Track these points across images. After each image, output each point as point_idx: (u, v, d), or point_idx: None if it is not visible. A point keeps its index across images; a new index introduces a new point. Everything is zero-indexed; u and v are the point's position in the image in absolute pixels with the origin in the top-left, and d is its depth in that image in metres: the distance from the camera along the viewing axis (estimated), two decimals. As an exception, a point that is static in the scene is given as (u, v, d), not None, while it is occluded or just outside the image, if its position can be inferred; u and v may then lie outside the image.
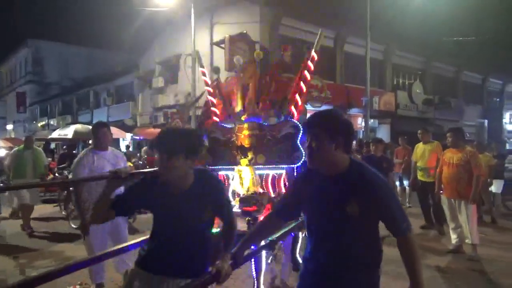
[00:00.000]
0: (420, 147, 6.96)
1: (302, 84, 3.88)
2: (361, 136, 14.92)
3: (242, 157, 3.69)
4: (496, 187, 7.90)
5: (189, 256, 2.03)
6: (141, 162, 10.85)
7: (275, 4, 14.19)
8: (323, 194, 1.84)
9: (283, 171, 3.76)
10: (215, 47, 15.49)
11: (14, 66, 38.06)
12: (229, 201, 2.36)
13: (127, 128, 19.31)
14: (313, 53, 3.98)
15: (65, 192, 7.06)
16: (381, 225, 1.90)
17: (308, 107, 15.02)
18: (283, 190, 3.71)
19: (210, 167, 3.78)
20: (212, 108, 4.14)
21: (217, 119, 4.05)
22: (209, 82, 4.36)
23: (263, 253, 3.00)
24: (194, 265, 2.04)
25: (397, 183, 9.43)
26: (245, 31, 14.37)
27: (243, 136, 3.73)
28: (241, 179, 3.61)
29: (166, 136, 2.03)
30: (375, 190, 1.78)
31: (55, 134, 15.10)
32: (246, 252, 2.16)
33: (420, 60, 20.61)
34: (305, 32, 15.37)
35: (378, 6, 15.21)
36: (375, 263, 1.90)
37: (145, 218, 7.23)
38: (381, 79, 18.64)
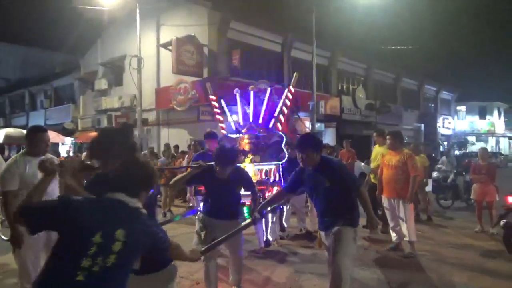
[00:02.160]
0: (375, 149, 7.10)
1: (284, 108, 5.93)
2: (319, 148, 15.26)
3: (245, 157, 5.48)
4: (428, 186, 8.42)
5: (230, 208, 3.82)
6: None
7: (223, 8, 14.16)
8: (311, 178, 3.40)
9: (273, 166, 5.54)
10: (161, 49, 15.14)
11: None
12: (252, 181, 4.25)
13: (67, 132, 18.24)
14: (290, 88, 6.14)
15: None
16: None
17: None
18: (274, 178, 5.46)
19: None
20: (220, 124, 6.23)
21: (224, 132, 6.02)
22: (216, 105, 6.31)
23: (270, 215, 4.99)
24: (234, 213, 3.87)
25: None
26: (193, 34, 14.19)
27: (244, 143, 5.60)
28: None
29: (226, 155, 3.82)
30: (334, 170, 3.34)
31: (-16, 138, 13.85)
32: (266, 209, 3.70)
33: (362, 66, 21.61)
34: (253, 36, 15.51)
35: (324, 14, 15.75)
36: (350, 207, 3.34)
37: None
38: (326, 84, 19.26)
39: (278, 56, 16.96)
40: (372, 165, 7.00)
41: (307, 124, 16.97)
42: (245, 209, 4.60)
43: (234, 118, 6.17)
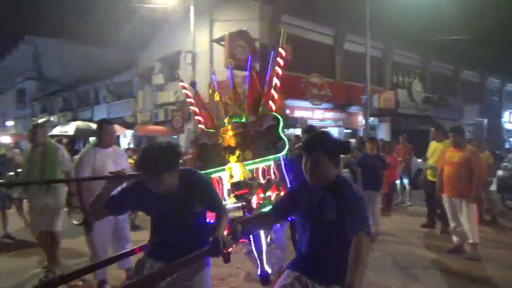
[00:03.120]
0: (433, 145, 6.84)
1: (275, 79, 4.15)
2: (361, 135, 14.94)
3: (231, 155, 3.95)
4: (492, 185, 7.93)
5: (188, 245, 2.17)
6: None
7: (274, 1, 14.17)
8: (315, 201, 2.13)
9: (271, 162, 3.94)
10: (214, 44, 15.47)
11: (13, 62, 37.91)
12: (216, 194, 2.48)
13: (127, 125, 19.30)
14: (280, 50, 4.23)
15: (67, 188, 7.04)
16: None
17: (308, 105, 15.06)
18: (273, 177, 3.94)
19: (201, 172, 3.76)
20: (196, 117, 4.51)
21: (203, 126, 4.40)
22: (190, 94, 4.69)
23: (262, 233, 3.40)
24: (194, 252, 2.12)
25: (397, 181, 9.47)
26: (244, 28, 14.35)
27: (229, 137, 4.01)
28: (231, 175, 3.82)
29: (150, 157, 2.14)
30: (352, 196, 2.04)
31: (56, 131, 15.07)
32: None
33: (419, 58, 20.63)
34: (305, 29, 15.38)
35: (378, 4, 15.21)
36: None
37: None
38: (380, 77, 18.65)
39: (330, 49, 16.68)
40: (430, 161, 6.74)
41: (360, 118, 16.60)
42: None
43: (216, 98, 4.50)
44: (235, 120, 4.08)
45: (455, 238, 5.43)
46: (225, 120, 4.16)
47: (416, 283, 4.31)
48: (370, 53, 14.61)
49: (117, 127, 14.95)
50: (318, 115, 15.97)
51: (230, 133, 4.00)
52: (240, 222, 2.23)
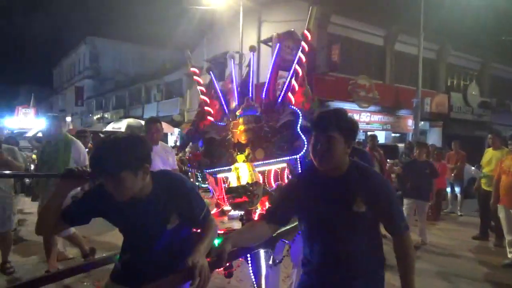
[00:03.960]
0: (488, 152, 6.52)
1: (297, 67, 3.51)
2: (410, 139, 14.39)
3: (239, 153, 3.28)
4: None
5: (163, 267, 1.72)
6: (187, 157, 11.18)
7: (324, 1, 14.01)
8: (329, 196, 1.76)
9: (285, 165, 3.29)
10: (262, 45, 15.59)
11: (74, 62, 40.60)
12: (201, 203, 1.90)
13: (175, 124, 19.95)
14: (305, 32, 3.54)
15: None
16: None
17: (355, 107, 14.73)
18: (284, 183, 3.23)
19: (208, 170, 3.50)
20: (206, 108, 3.85)
21: (212, 119, 3.77)
22: (202, 82, 4.07)
23: (261, 252, 2.57)
24: (168, 269, 1.66)
25: (448, 189, 9.02)
26: (292, 29, 14.30)
27: (239, 132, 3.38)
28: (238, 178, 3.12)
29: (102, 152, 1.62)
30: (378, 185, 1.76)
31: (109, 127, 15.97)
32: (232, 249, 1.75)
33: (476, 60, 19.47)
34: (354, 30, 15.07)
35: (433, 3, 14.56)
36: (379, 266, 1.83)
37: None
38: (433, 80, 17.83)
39: (380, 50, 16.21)
40: (485, 170, 6.37)
41: (410, 122, 15.98)
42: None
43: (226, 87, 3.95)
44: (248, 112, 3.45)
45: (510, 253, 5.09)
46: (237, 113, 3.54)
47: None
48: (423, 55, 14.02)
49: (165, 125, 15.58)
50: (365, 118, 15.57)
51: (241, 127, 3.39)
52: (230, 238, 1.76)
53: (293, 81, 3.44)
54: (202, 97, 3.88)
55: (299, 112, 3.23)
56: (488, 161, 6.36)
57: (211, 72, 4.06)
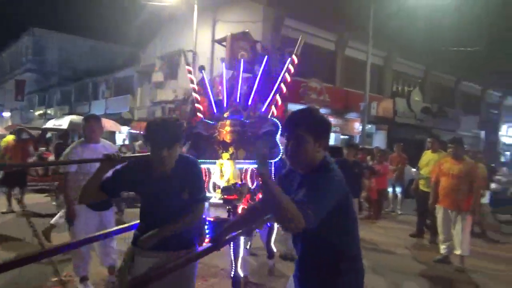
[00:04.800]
0: (427, 155, 6.86)
1: (282, 85, 4.18)
2: (357, 141, 14.93)
3: (224, 151, 3.91)
4: (484, 197, 7.93)
5: (174, 233, 2.20)
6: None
7: (278, 4, 14.17)
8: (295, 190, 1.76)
9: None
10: (216, 44, 15.46)
11: (15, 53, 37.89)
12: (203, 188, 2.42)
13: (124, 121, 19.26)
14: (293, 56, 4.26)
15: (57, 182, 6.99)
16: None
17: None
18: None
19: None
20: (197, 105, 4.34)
21: (201, 116, 4.28)
22: (195, 80, 4.51)
23: (241, 239, 3.40)
24: (181, 239, 2.25)
25: (390, 189, 9.45)
26: (247, 30, 14.32)
27: (225, 132, 3.97)
28: (222, 172, 3.85)
29: (160, 129, 2.16)
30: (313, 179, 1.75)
31: (50, 124, 15.03)
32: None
33: (420, 68, 20.64)
34: (307, 34, 15.36)
35: (382, 12, 15.22)
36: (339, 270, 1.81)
37: (134, 212, 7.24)
38: (380, 85, 18.65)
39: (331, 54, 16.68)
40: (423, 171, 6.72)
41: (357, 125, 16.59)
42: (206, 228, 3.41)
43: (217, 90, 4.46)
44: (235, 116, 4.07)
45: (443, 249, 5.40)
46: (225, 115, 4.14)
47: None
48: (371, 61, 14.61)
49: (112, 124, 15.00)
50: (316, 120, 15.94)
51: (228, 128, 3.97)
52: (226, 229, 2.23)
53: (277, 97, 4.11)
54: (194, 94, 4.40)
55: (279, 124, 3.87)
56: (426, 163, 6.70)
57: (202, 71, 4.53)
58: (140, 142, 10.41)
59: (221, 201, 3.63)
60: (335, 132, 16.83)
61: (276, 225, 4.25)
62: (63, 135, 8.98)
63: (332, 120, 16.58)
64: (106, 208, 3.93)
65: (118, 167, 2.33)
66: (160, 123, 2.21)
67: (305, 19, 14.96)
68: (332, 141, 15.62)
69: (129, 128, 19.44)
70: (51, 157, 9.42)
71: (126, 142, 17.36)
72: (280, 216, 1.50)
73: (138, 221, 2.37)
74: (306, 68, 15.01)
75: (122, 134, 20.84)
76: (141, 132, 14.39)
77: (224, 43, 16.35)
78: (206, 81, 4.43)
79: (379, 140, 17.38)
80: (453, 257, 5.32)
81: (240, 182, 3.73)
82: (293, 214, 1.47)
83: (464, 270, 5.06)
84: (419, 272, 5.02)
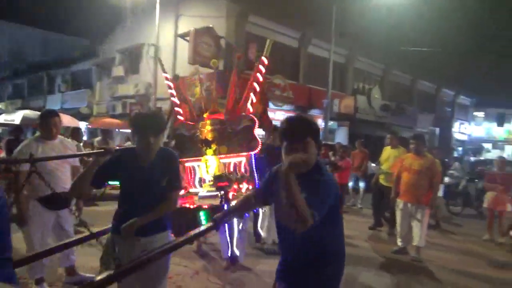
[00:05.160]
0: (386, 151, 7.05)
1: (255, 84, 4.55)
2: (320, 137, 15.20)
3: (207, 148, 4.34)
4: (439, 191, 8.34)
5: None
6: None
7: (242, 1, 14.11)
8: None
9: (243, 159, 4.37)
10: (179, 39, 15.19)
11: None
12: (179, 179, 2.65)
13: (82, 117, 18.50)
14: (263, 58, 4.65)
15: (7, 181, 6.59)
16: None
17: (270, 106, 15.10)
18: (244, 173, 4.38)
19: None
20: (176, 109, 4.76)
21: (181, 118, 4.68)
22: (171, 86, 4.86)
23: (235, 220, 3.94)
24: (160, 223, 2.45)
25: (350, 184, 9.71)
26: (211, 26, 14.19)
27: (206, 131, 4.38)
28: (207, 166, 4.30)
29: (148, 119, 2.42)
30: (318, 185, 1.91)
31: (0, 119, 14.13)
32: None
33: (380, 66, 21.33)
34: (271, 31, 15.43)
35: (344, 11, 15.57)
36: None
37: (91, 211, 6.99)
38: (342, 83, 19.09)
39: (295, 51, 16.86)
40: (383, 166, 6.93)
41: (320, 121, 16.91)
42: (202, 215, 3.76)
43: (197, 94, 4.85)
44: (214, 117, 4.46)
45: (399, 242, 5.61)
46: (205, 115, 4.51)
47: (358, 281, 4.41)
48: (333, 59, 14.91)
49: (69, 119, 14.35)
50: (280, 116, 16.07)
51: (208, 127, 4.37)
52: (225, 213, 2.53)
53: (252, 95, 4.52)
54: (173, 99, 4.81)
55: (256, 119, 4.36)
56: (386, 159, 6.93)
57: (177, 80, 5.01)
58: (99, 138, 9.99)
59: (209, 193, 4.08)
60: (298, 128, 17.06)
61: (261, 210, 4.68)
62: (15, 131, 8.48)
63: (295, 116, 16.81)
64: (62, 207, 3.75)
65: (105, 160, 2.47)
66: (148, 114, 2.60)
67: (269, 16, 15.01)
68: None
69: (87, 123, 18.69)
70: (2, 154, 8.87)
71: (85, 138, 16.69)
72: (294, 215, 1.64)
73: (100, 229, 2.58)
74: (270, 65, 15.09)
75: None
76: (101, 128, 13.94)
77: (187, 38, 16.16)
78: (181, 87, 4.88)
79: (341, 136, 17.80)
80: (409, 248, 5.54)
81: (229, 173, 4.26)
82: (305, 215, 1.64)
83: (421, 261, 5.28)
84: (378, 263, 5.19)
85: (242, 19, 14.36)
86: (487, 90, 32.31)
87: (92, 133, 19.19)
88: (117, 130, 16.62)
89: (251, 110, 4.48)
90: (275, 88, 14.83)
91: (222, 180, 4.02)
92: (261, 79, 4.56)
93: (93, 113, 19.36)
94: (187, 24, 14.71)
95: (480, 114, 35.22)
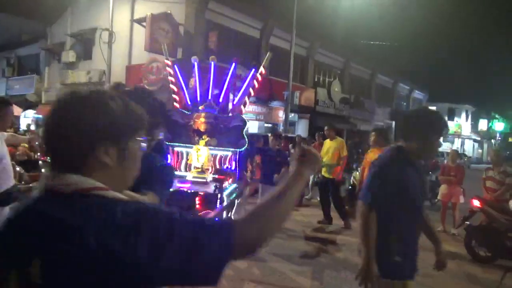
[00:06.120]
0: (326, 143, 7.08)
1: (251, 89, 5.11)
2: (281, 129, 15.14)
3: (199, 138, 4.67)
4: None
5: None
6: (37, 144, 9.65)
7: (202, -13, 13.63)
8: (419, 179, 2.33)
9: (229, 153, 4.85)
10: (135, 24, 14.46)
11: None
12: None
13: (29, 105, 17.30)
14: (261, 69, 5.22)
15: None
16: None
17: (230, 96, 14.81)
18: (229, 167, 4.85)
19: (169, 143, 4.81)
20: (173, 96, 5.14)
21: (177, 105, 5.05)
22: (172, 73, 5.23)
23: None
24: None
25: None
26: (169, 11, 13.60)
27: (200, 122, 4.70)
28: (198, 155, 4.63)
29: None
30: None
31: None
32: None
33: (340, 60, 21.58)
34: (232, 20, 15.08)
35: (306, 3, 15.48)
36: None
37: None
38: (303, 75, 19.11)
39: (256, 42, 16.60)
40: (324, 159, 6.81)
41: (281, 113, 16.84)
42: (197, 200, 3.94)
43: (191, 84, 5.27)
44: (209, 110, 4.81)
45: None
46: (200, 107, 4.86)
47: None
48: (294, 50, 14.80)
49: (14, 106, 13.29)
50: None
51: (202, 119, 4.68)
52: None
53: (246, 98, 5.10)
54: (172, 86, 5.17)
55: (246, 121, 4.94)
56: (326, 151, 6.90)
57: (175, 66, 5.25)
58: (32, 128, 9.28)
59: (195, 179, 4.42)
60: (259, 120, 16.91)
61: (237, 201, 4.89)
62: None
63: (256, 108, 16.62)
64: (6, 203, 3.36)
65: None
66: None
67: (230, 4, 14.63)
68: (255, 129, 15.64)
69: (35, 112, 17.49)
70: None
71: (32, 128, 15.59)
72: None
73: None
74: (231, 55, 14.76)
75: (27, 119, 18.73)
76: (43, 115, 13.00)
77: (144, 24, 15.37)
78: (180, 77, 5.13)
79: (302, 128, 17.87)
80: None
81: (226, 167, 4.78)
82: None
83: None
84: (331, 257, 5.13)
85: (202, 6, 13.87)
86: (439, 85, 33.83)
87: (37, 122, 18.00)
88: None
89: (243, 111, 5.07)
90: (235, 79, 14.52)
91: (222, 174, 4.54)
92: (256, 85, 5.14)
93: (41, 101, 18.15)
94: (144, 9, 14.01)
95: (433, 108, 36.83)
